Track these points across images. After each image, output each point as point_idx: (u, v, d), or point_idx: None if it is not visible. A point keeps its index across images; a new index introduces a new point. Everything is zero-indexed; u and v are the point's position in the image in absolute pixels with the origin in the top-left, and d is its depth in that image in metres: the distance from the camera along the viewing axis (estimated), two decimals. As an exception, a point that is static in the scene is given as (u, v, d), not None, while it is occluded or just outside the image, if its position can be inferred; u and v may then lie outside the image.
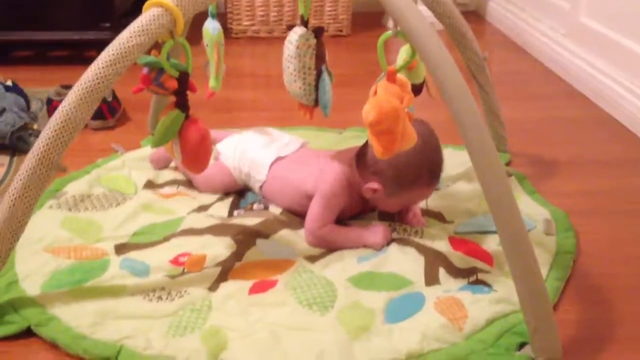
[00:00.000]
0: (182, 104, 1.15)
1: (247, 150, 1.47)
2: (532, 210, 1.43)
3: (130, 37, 1.05)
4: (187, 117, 1.15)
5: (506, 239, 0.99)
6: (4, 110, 1.70)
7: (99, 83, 1.05)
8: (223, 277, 1.20)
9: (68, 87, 1.90)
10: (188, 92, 1.16)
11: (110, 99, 1.88)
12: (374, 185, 1.28)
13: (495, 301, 1.11)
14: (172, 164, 1.59)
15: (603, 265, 1.29)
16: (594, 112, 2.11)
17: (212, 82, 1.46)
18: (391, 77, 1.12)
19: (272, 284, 1.18)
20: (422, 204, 1.45)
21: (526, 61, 2.68)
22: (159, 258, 1.23)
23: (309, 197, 1.34)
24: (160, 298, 1.13)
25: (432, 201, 1.47)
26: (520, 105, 2.18)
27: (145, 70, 1.15)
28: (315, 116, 1.35)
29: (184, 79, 1.14)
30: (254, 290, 1.16)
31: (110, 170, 1.58)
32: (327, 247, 1.30)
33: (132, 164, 1.61)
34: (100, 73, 1.05)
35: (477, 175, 1.00)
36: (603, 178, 1.67)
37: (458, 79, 1.00)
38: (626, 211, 1.51)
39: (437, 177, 1.31)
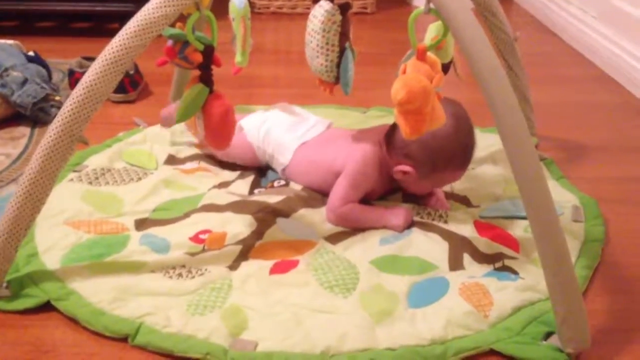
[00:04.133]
0: (206, 78, 1.13)
1: (271, 132, 1.44)
2: (559, 196, 1.40)
3: (156, 8, 1.03)
4: (211, 91, 1.13)
5: (537, 225, 0.96)
6: (25, 80, 1.68)
7: (123, 54, 1.03)
8: (243, 255, 1.18)
9: (90, 59, 1.89)
10: (213, 67, 1.14)
11: (132, 72, 1.86)
12: (406, 167, 1.26)
13: (521, 289, 1.09)
14: (194, 140, 1.57)
15: (632, 254, 1.25)
16: (625, 97, 2.06)
17: (238, 57, 1.43)
18: (422, 56, 1.09)
19: (293, 265, 1.16)
20: (447, 188, 1.42)
21: (554, 43, 2.63)
22: (179, 234, 1.22)
23: (337, 175, 1.31)
24: (180, 275, 1.11)
25: (457, 184, 1.44)
26: (547, 88, 2.13)
27: (170, 43, 1.13)
28: (339, 95, 1.32)
29: (209, 53, 1.12)
30: (275, 270, 1.14)
31: (131, 144, 1.57)
32: (347, 226, 1.28)
33: (154, 139, 1.59)
34: (124, 44, 1.03)
35: (509, 159, 0.97)
36: (633, 165, 1.62)
37: (492, 59, 0.96)
38: (656, 199, 1.47)
39: (469, 160, 1.28)
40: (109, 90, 1.05)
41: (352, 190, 1.29)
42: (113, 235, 1.22)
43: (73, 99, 1.03)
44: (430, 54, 1.11)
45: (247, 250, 1.19)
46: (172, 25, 1.09)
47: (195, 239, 1.21)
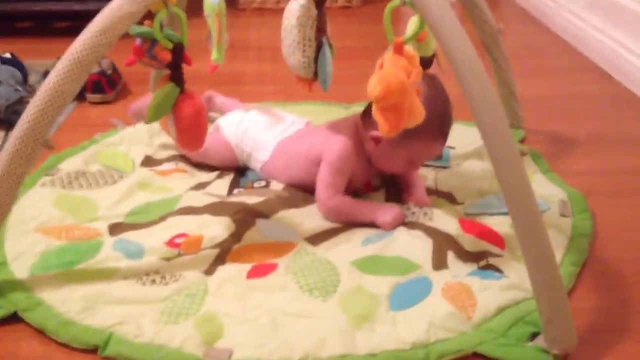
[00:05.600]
0: (176, 78, 1.09)
1: (249, 130, 1.40)
2: (546, 190, 1.36)
3: (121, 5, 1.00)
4: (182, 91, 1.09)
5: (519, 223, 0.92)
6: (-1, 83, 1.64)
7: (87, 54, 0.99)
8: (220, 259, 1.14)
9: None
10: (183, 65, 1.10)
11: (110, 71, 1.82)
12: (377, 132, 1.21)
13: (506, 288, 1.05)
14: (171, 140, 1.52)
15: (621, 249, 1.22)
16: (615, 88, 2.02)
17: (214, 55, 1.39)
18: (398, 50, 1.05)
19: (272, 268, 1.12)
20: (431, 184, 1.39)
21: (543, 34, 2.59)
22: (154, 239, 1.18)
23: (318, 163, 1.28)
24: (154, 282, 1.08)
25: (441, 180, 1.41)
26: (536, 80, 2.10)
27: (138, 42, 1.09)
28: (321, 91, 1.28)
29: (178, 51, 1.08)
30: (253, 274, 1.11)
31: (107, 146, 1.53)
32: (339, 220, 1.25)
33: (132, 140, 1.55)
34: (88, 44, 0.99)
35: (488, 154, 0.93)
36: (623, 157, 1.59)
37: (469, 51, 0.93)
38: (646, 192, 1.43)
39: (445, 132, 1.24)
40: (74, 91, 1.01)
41: (336, 176, 1.26)
42: (85, 241, 1.18)
43: (36, 101, 0.99)
44: (407, 48, 1.08)
45: (224, 253, 1.15)
46: (141, 22, 1.05)
47: (171, 243, 1.17)
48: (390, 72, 1.02)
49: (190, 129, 1.08)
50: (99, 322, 0.98)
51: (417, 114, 1.07)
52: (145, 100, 1.48)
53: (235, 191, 1.36)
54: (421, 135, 1.20)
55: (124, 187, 1.35)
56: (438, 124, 1.21)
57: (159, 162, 1.47)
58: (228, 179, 1.40)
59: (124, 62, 1.09)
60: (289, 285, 1.08)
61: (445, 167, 1.47)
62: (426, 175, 1.41)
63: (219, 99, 1.63)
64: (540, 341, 0.96)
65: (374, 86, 1.01)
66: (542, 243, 0.92)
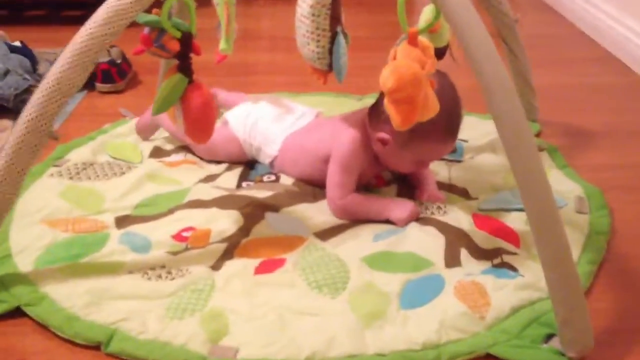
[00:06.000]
0: (184, 68, 1.06)
1: (258, 123, 1.38)
2: (563, 186, 1.33)
3: (127, -6, 0.97)
4: (190, 81, 1.06)
5: (535, 220, 0.89)
6: (7, 72, 1.62)
7: (92, 44, 0.97)
8: (228, 254, 1.12)
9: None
10: (192, 55, 1.07)
11: (119, 61, 1.80)
12: (383, 134, 1.18)
13: (521, 287, 1.02)
14: (167, 134, 1.50)
15: (640, 247, 1.19)
16: (632, 79, 1.98)
17: (222, 44, 1.36)
18: (413, 40, 1.02)
19: (280, 263, 1.10)
20: (445, 179, 1.36)
21: (559, 24, 2.54)
22: (161, 232, 1.16)
23: (326, 161, 1.26)
24: (159, 277, 1.05)
25: (455, 174, 1.38)
26: (552, 71, 2.06)
27: (146, 31, 1.06)
28: (335, 82, 1.25)
29: (186, 41, 1.05)
30: (261, 269, 1.08)
31: (116, 137, 1.51)
32: (351, 218, 1.22)
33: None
34: (93, 33, 0.97)
35: (504, 148, 0.90)
36: (641, 151, 1.55)
37: (486, 40, 0.90)
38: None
39: (454, 133, 1.20)
40: (79, 82, 0.99)
41: (345, 175, 1.23)
42: (91, 233, 1.16)
43: (41, 92, 0.98)
44: (422, 38, 1.04)
45: (232, 248, 1.13)
46: (149, 11, 1.03)
47: (178, 237, 1.15)
48: (403, 63, 0.99)
49: (199, 120, 1.06)
50: (103, 317, 0.97)
51: (431, 106, 1.04)
52: (146, 116, 1.46)
53: (244, 184, 1.34)
54: (429, 137, 1.17)
55: (132, 179, 1.33)
56: (446, 124, 1.17)
57: (167, 153, 1.45)
58: (237, 171, 1.37)
59: (132, 51, 1.06)
60: (297, 282, 1.05)
61: (458, 161, 1.44)
62: (438, 170, 1.38)
63: (222, 95, 1.61)
64: (555, 343, 0.93)
65: (387, 78, 0.98)
66: (558, 241, 0.89)
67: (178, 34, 1.03)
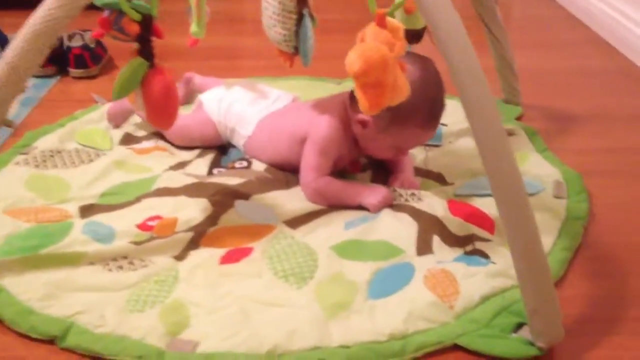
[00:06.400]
0: (145, 52, 1.02)
1: (233, 106, 1.34)
2: (541, 170, 1.30)
3: (81, -26, 0.93)
4: (151, 66, 1.02)
5: (504, 208, 0.86)
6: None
7: (46, 26, 0.93)
8: (194, 244, 1.09)
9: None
10: (153, 38, 1.03)
11: (93, 45, 1.75)
12: (364, 116, 1.15)
13: (492, 275, 0.99)
14: (139, 120, 1.46)
15: (618, 233, 1.16)
16: (619, 62, 1.94)
17: (193, 28, 1.32)
18: (381, 22, 0.98)
19: (246, 252, 1.07)
20: (420, 164, 1.32)
21: (547, 6, 2.50)
22: (126, 221, 1.13)
23: (302, 142, 1.23)
24: (121, 267, 1.02)
25: (432, 160, 1.34)
26: (538, 53, 2.02)
27: (105, 13, 1.02)
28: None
29: (147, 23, 1.00)
30: (226, 259, 1.05)
31: (86, 123, 1.47)
32: (323, 202, 1.19)
33: (114, 115, 1.48)
34: (47, 16, 0.93)
35: (473, 134, 0.87)
36: (627, 134, 1.52)
37: (455, 24, 0.85)
38: (650, 172, 1.36)
39: (435, 119, 1.17)
40: (33, 68, 0.95)
41: (322, 158, 1.20)
42: (55, 223, 1.12)
43: (-7, 78, 0.93)
44: (391, 20, 1.00)
45: (198, 237, 1.10)
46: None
47: (143, 226, 1.12)
48: (370, 46, 0.95)
49: (160, 106, 1.02)
50: (61, 310, 0.93)
51: (402, 90, 1.00)
52: (120, 103, 1.42)
53: (216, 171, 1.30)
54: (409, 122, 1.14)
55: (100, 167, 1.29)
56: (428, 110, 1.14)
57: (138, 139, 1.41)
58: (209, 158, 1.34)
59: (92, 34, 1.03)
60: (264, 271, 1.02)
61: (437, 146, 1.40)
62: (415, 154, 1.34)
63: (198, 79, 1.57)
64: (525, 332, 0.90)
65: (353, 61, 0.94)
66: (528, 230, 0.85)
67: (138, 17, 0.99)
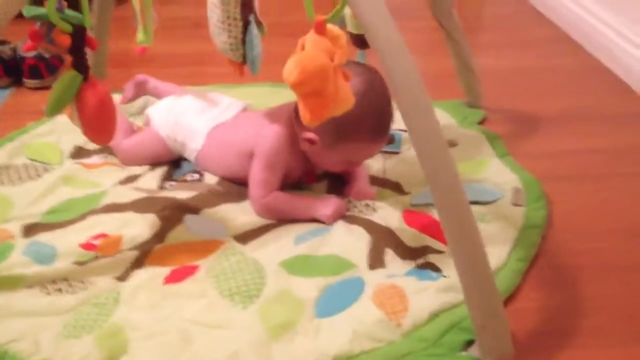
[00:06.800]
0: (78, 64, 0.98)
1: (181, 118, 1.31)
2: (501, 177, 1.27)
3: (5, -14, 0.89)
4: (85, 79, 0.99)
5: (446, 220, 0.83)
6: None
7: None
8: (139, 263, 1.05)
9: (2, 43, 1.74)
10: (87, 50, 1.00)
11: (48, 55, 1.71)
12: (310, 134, 1.12)
13: (443, 289, 0.96)
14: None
15: (578, 240, 1.13)
16: (586, 61, 1.92)
17: (139, 37, 1.30)
18: (320, 29, 0.94)
19: (192, 271, 1.03)
20: (378, 171, 1.29)
21: (512, 4, 2.47)
22: (69, 241, 1.09)
23: (250, 157, 1.19)
24: (59, 291, 0.98)
25: (390, 167, 1.31)
26: (504, 53, 1.99)
27: (37, 25, 0.98)
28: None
29: (78, 35, 0.97)
30: (171, 279, 1.02)
31: (36, 136, 1.43)
32: (275, 217, 1.15)
33: (64, 128, 1.43)
34: (-31, 30, 0.88)
35: (412, 142, 0.84)
36: (592, 136, 1.49)
37: (389, 29, 0.83)
38: (616, 175, 1.33)
39: (383, 131, 1.13)
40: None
41: (268, 173, 1.16)
42: (-5, 244, 1.08)
43: None
44: (332, 27, 0.97)
45: (143, 256, 1.06)
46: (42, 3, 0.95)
47: (87, 245, 1.08)
48: (308, 54, 0.91)
49: (95, 120, 0.98)
50: (-6, 338, 0.89)
51: (345, 100, 0.97)
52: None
53: (167, 185, 1.27)
54: (356, 137, 1.11)
55: (47, 182, 1.25)
56: (374, 123, 1.11)
57: (89, 153, 1.37)
58: (160, 171, 1.30)
59: (24, 47, 0.99)
60: (208, 291, 0.99)
61: (396, 153, 1.37)
62: (373, 163, 1.31)
63: (152, 83, 1.52)
64: (474, 350, 0.87)
65: (290, 71, 0.90)
66: (472, 244, 0.83)
67: (69, 28, 0.95)
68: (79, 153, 1.37)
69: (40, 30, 0.97)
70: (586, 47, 1.97)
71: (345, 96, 0.97)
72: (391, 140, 1.38)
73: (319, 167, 1.22)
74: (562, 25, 2.15)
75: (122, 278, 1.01)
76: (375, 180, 1.26)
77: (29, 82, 1.70)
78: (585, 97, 1.69)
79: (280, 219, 1.15)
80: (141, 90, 1.52)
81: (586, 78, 1.81)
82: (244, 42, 1.13)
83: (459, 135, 1.43)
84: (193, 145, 1.28)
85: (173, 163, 1.33)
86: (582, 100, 1.67)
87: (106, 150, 1.37)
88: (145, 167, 1.32)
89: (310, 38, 0.95)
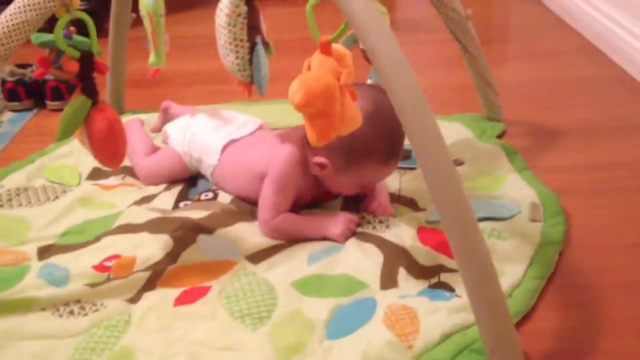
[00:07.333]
0: (87, 89, 1.00)
1: (197, 134, 1.31)
2: (518, 192, 1.24)
3: (15, 13, 0.92)
4: (94, 103, 1.00)
5: (455, 243, 0.81)
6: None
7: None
8: (150, 284, 1.05)
9: (24, 66, 1.77)
10: (95, 75, 1.01)
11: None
12: (321, 159, 1.12)
13: (455, 310, 0.94)
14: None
15: (597, 257, 1.10)
16: (610, 70, 1.88)
17: (152, 58, 1.31)
18: (325, 49, 0.94)
19: (203, 292, 1.03)
20: (394, 188, 1.28)
21: (537, 14, 2.44)
22: (83, 263, 1.09)
23: (262, 179, 1.19)
24: (71, 313, 0.99)
25: (405, 184, 1.30)
26: (525, 64, 1.97)
27: (46, 52, 1.00)
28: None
29: (87, 60, 0.99)
30: (181, 300, 1.01)
31: (56, 158, 1.45)
32: (284, 239, 1.15)
33: (83, 150, 1.43)
34: (-21, 57, 0.90)
35: (419, 162, 0.82)
36: (615, 148, 1.46)
37: (392, 47, 0.81)
38: (637, 190, 1.30)
39: (394, 154, 1.13)
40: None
41: (279, 197, 1.16)
42: (11, 267, 1.10)
43: None
44: (337, 47, 0.97)
45: (155, 277, 1.06)
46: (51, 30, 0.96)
47: (100, 267, 1.08)
48: (312, 75, 0.91)
49: (104, 145, 0.99)
50: (6, 362, 0.90)
51: (352, 119, 0.96)
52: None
53: (182, 204, 1.27)
54: (367, 159, 1.10)
55: (64, 204, 1.27)
56: (384, 145, 1.10)
57: (106, 174, 1.38)
58: (176, 191, 1.31)
59: (33, 74, 1.00)
60: (219, 312, 0.98)
61: (412, 169, 1.36)
62: (387, 179, 1.29)
63: (174, 109, 1.54)
64: (486, 373, 0.85)
65: (295, 92, 0.90)
66: (482, 262, 0.81)
67: (76, 54, 0.97)
68: (96, 174, 1.38)
69: (48, 56, 0.99)
70: (612, 57, 1.94)
71: (353, 115, 0.96)
72: (407, 155, 1.36)
73: (332, 190, 1.21)
74: (588, 35, 2.12)
75: (133, 300, 1.02)
76: (391, 196, 1.25)
77: (51, 104, 1.73)
78: (608, 108, 1.66)
79: (289, 240, 1.15)
80: (166, 116, 1.54)
81: (610, 89, 1.78)
82: (251, 62, 1.13)
83: (476, 149, 1.41)
84: (209, 161, 1.28)
85: (189, 181, 1.34)
86: (604, 111, 1.64)
87: (123, 171, 1.38)
88: (162, 187, 1.32)
89: (316, 58, 0.95)
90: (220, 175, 1.28)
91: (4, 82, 1.71)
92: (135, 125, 1.48)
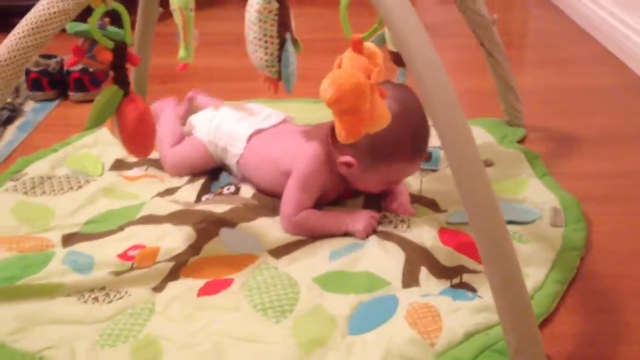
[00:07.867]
0: (120, 79, 1.00)
1: (222, 125, 1.33)
2: (539, 197, 1.25)
3: (51, 3, 0.92)
4: (126, 94, 1.01)
5: (482, 242, 0.82)
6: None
7: (15, 57, 0.92)
8: (174, 274, 1.06)
9: (49, 57, 1.79)
10: (129, 65, 1.02)
11: (92, 69, 1.75)
12: (347, 158, 1.12)
13: (477, 310, 0.95)
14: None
15: (615, 262, 1.10)
16: (630, 79, 1.89)
17: (181, 52, 1.32)
18: (357, 47, 0.95)
19: (226, 284, 1.04)
20: (414, 189, 1.29)
21: (556, 21, 2.45)
22: (107, 251, 1.11)
23: (286, 174, 1.20)
24: (96, 300, 1.00)
25: (426, 185, 1.30)
26: (545, 71, 1.97)
27: (80, 41, 1.01)
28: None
29: (120, 50, 0.99)
30: (204, 291, 1.02)
31: (79, 148, 1.46)
32: (306, 235, 1.16)
33: (106, 141, 1.47)
34: (15, 45, 0.92)
35: (449, 164, 0.83)
36: (634, 155, 1.46)
37: (427, 49, 0.82)
38: (658, 197, 1.30)
39: (420, 151, 1.14)
40: (3, 97, 0.94)
41: (304, 194, 1.17)
42: (35, 253, 1.11)
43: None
44: (369, 45, 0.97)
45: (178, 267, 1.07)
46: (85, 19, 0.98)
47: (124, 255, 1.10)
48: (343, 72, 0.92)
49: (134, 134, 1.00)
50: (30, 345, 0.91)
51: (381, 117, 0.97)
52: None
53: (204, 197, 1.28)
54: (394, 157, 1.11)
55: (87, 193, 1.28)
56: (411, 143, 1.11)
57: (129, 166, 1.39)
58: (198, 184, 1.32)
59: (66, 63, 1.02)
60: (242, 304, 0.99)
61: (433, 170, 1.36)
62: (409, 179, 1.30)
63: (200, 99, 1.55)
64: (508, 373, 0.86)
65: (326, 89, 0.91)
66: (508, 264, 0.81)
67: (110, 44, 0.98)
68: (119, 165, 1.39)
69: (82, 46, 1.01)
70: (631, 66, 1.94)
71: (382, 113, 0.97)
72: (428, 157, 1.37)
73: (357, 188, 1.22)
74: (607, 44, 2.12)
75: (158, 289, 1.03)
76: (411, 197, 1.25)
77: (74, 95, 1.74)
78: (627, 116, 1.66)
79: (310, 236, 1.15)
80: (192, 106, 1.54)
81: (630, 97, 1.78)
82: (279, 59, 1.14)
83: (498, 153, 1.41)
84: (234, 150, 1.29)
85: (212, 174, 1.35)
86: (624, 119, 1.64)
87: (146, 163, 1.39)
88: (184, 180, 1.34)
89: (348, 56, 0.96)
90: (245, 164, 1.29)
91: (28, 71, 1.73)
92: (169, 113, 1.48)
